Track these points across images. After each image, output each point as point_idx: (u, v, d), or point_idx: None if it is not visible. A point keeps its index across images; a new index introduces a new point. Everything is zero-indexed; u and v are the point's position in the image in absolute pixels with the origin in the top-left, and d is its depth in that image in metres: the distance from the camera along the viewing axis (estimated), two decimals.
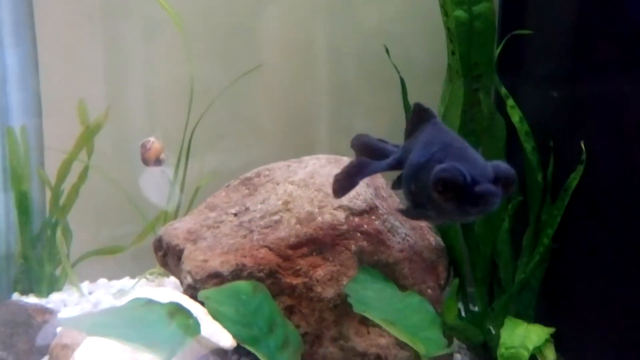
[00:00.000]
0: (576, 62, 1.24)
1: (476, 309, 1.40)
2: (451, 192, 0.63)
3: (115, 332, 0.71)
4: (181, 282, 1.21)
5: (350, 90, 1.79)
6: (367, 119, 1.78)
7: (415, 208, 0.75)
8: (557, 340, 1.12)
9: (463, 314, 1.39)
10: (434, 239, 1.31)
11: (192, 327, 0.75)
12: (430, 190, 0.65)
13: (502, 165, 0.67)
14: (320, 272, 1.13)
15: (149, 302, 0.81)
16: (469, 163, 0.65)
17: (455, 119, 1.33)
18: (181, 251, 1.24)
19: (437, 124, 0.77)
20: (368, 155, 0.91)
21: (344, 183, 0.85)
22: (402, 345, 1.15)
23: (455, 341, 1.35)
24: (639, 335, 1.08)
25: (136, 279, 1.75)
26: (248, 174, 1.40)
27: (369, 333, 1.16)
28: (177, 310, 0.78)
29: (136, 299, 0.83)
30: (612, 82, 1.12)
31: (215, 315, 0.79)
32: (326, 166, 1.32)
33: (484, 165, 0.66)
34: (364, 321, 1.16)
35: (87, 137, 1.61)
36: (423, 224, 1.32)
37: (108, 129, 1.65)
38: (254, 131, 1.81)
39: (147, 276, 1.78)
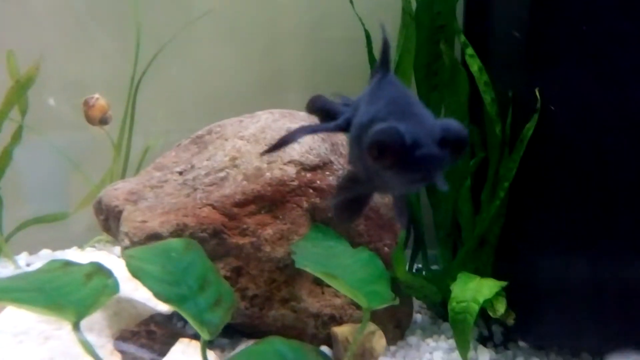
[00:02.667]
0: (539, 8, 1.18)
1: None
2: (388, 157, 0.54)
3: (17, 296, 0.63)
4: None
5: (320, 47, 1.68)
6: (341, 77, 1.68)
7: (356, 178, 0.64)
8: (510, 295, 1.10)
9: (424, 274, 1.36)
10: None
11: (109, 287, 0.67)
12: (365, 156, 0.56)
13: (453, 124, 0.57)
14: (269, 231, 1.06)
15: (66, 264, 0.72)
16: (413, 122, 0.56)
17: (408, 68, 1.25)
18: (121, 213, 1.15)
19: (384, 76, 0.65)
20: (324, 119, 0.77)
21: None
22: (357, 305, 1.11)
23: (416, 301, 1.32)
24: (589, 288, 1.08)
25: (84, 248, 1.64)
26: (199, 132, 1.30)
27: (323, 293, 1.11)
28: (96, 271, 0.70)
29: (53, 261, 0.74)
30: (575, 28, 1.07)
31: (137, 274, 0.71)
32: (279, 120, 1.23)
33: (431, 125, 0.57)
34: (318, 281, 1.10)
35: (18, 92, 1.46)
36: None
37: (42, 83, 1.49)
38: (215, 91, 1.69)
39: (95, 244, 1.68)
